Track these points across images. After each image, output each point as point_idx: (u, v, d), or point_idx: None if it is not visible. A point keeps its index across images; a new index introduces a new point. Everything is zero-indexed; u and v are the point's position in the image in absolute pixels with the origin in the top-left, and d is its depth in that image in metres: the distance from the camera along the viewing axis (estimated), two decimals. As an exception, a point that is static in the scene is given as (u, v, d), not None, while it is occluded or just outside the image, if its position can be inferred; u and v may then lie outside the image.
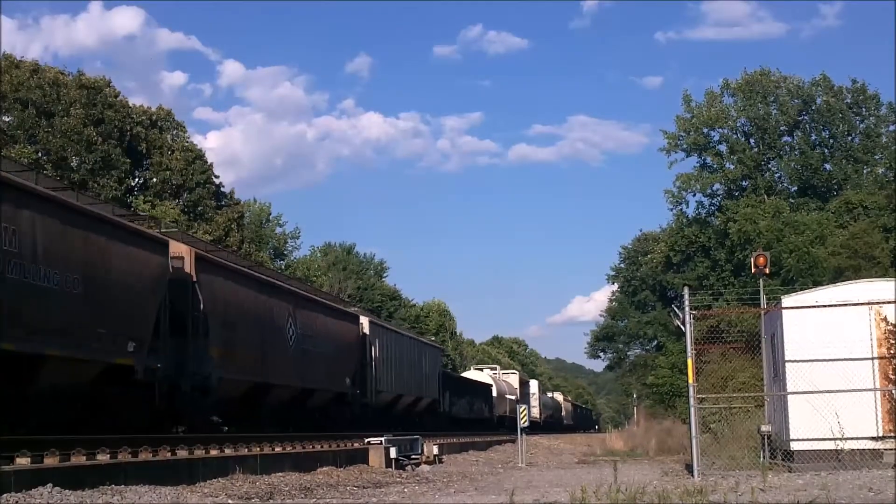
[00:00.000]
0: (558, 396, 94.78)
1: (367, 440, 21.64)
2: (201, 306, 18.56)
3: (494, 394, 55.72)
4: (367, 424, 27.57)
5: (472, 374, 59.77)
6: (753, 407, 18.40)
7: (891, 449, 14.42)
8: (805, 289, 21.72)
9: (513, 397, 60.79)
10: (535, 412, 68.68)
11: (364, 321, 30.74)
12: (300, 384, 24.19)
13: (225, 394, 19.70)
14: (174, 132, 48.31)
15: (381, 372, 31.73)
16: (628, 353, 77.21)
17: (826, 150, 56.12)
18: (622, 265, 75.09)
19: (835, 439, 14.25)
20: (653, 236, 69.22)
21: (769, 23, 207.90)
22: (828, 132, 55.98)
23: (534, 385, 74.37)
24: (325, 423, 25.88)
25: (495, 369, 66.03)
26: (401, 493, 13.91)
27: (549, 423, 77.18)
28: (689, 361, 14.82)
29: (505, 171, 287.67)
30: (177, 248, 18.29)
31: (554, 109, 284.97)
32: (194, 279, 18.43)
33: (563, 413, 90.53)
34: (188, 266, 18.34)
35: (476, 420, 49.95)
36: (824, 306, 15.05)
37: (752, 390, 19.25)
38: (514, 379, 66.84)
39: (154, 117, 46.54)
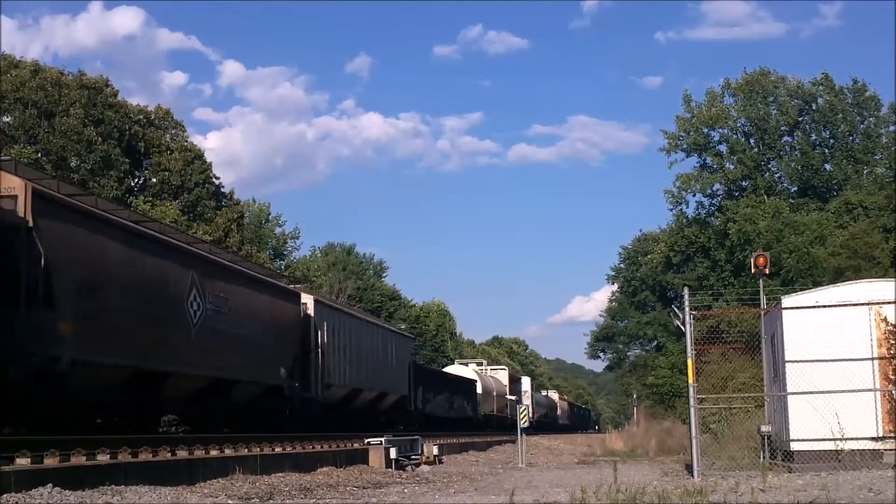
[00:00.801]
0: (553, 395, 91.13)
1: (367, 440, 21.65)
2: (41, 262, 13.77)
3: (479, 390, 51.88)
4: (312, 424, 24.02)
5: (454, 368, 55.29)
6: (753, 407, 18.39)
7: (891, 449, 14.42)
8: (805, 289, 21.72)
9: (501, 395, 57.84)
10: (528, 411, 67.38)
11: (308, 300, 25.71)
12: (210, 373, 19.26)
13: (91, 383, 15.46)
14: (173, 131, 48.30)
15: (333, 362, 26.93)
16: (628, 353, 77.31)
17: (826, 151, 56.13)
18: (622, 265, 75.14)
19: (835, 440, 14.25)
20: (653, 236, 69.26)
21: (769, 23, 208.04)
22: (828, 132, 56.00)
23: (525, 382, 70.77)
24: (251, 422, 21.56)
25: (482, 364, 62.31)
26: (401, 493, 13.91)
27: (544, 423, 74.13)
28: (689, 362, 14.82)
29: (505, 171, 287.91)
30: (7, 181, 13.78)
31: (554, 109, 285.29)
32: (30, 224, 13.68)
33: (559, 412, 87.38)
34: (22, 206, 13.65)
35: (457, 419, 45.44)
36: (824, 306, 15.05)
37: (752, 391, 19.26)
38: (503, 375, 62.75)
39: (152, 116, 46.54)
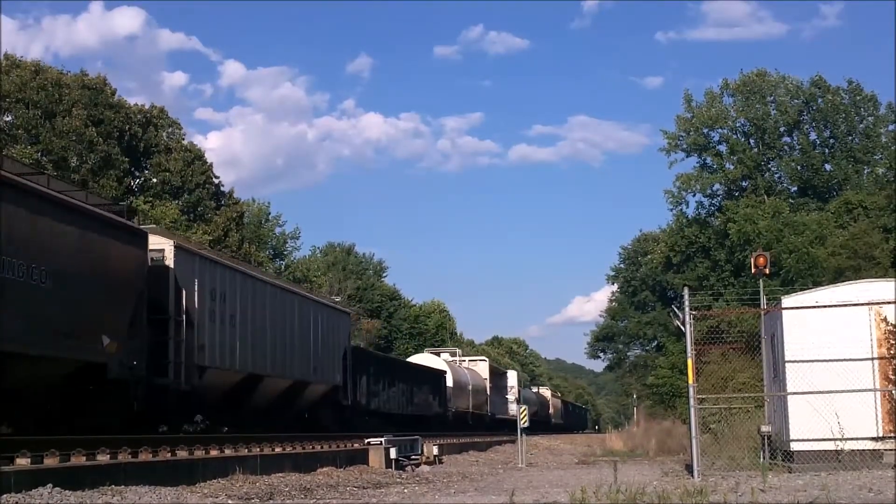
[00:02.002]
0: (545, 392, 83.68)
1: (367, 441, 21.65)
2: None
3: (450, 383, 45.19)
4: (170, 420, 18.66)
5: (420, 357, 48.58)
6: (753, 407, 18.40)
7: (891, 449, 14.42)
8: (805, 289, 21.71)
9: (479, 389, 51.25)
10: (513, 408, 57.78)
11: (162, 244, 18.45)
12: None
13: None
14: (170, 129, 48.28)
15: (212, 337, 19.75)
16: (628, 353, 77.40)
17: (826, 151, 56.15)
18: (622, 265, 75.19)
19: (835, 440, 14.25)
20: (653, 236, 69.31)
21: (769, 23, 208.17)
22: (828, 132, 56.01)
23: (512, 377, 63.73)
24: (37, 419, 15.11)
25: (456, 354, 55.01)
26: (401, 493, 13.91)
27: (534, 423, 70.31)
28: (689, 362, 14.82)
29: (505, 171, 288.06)
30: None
31: (554, 110, 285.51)
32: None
33: (551, 411, 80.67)
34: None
35: (418, 417, 38.44)
36: (824, 307, 15.04)
37: (752, 391, 19.26)
38: (482, 367, 55.00)
39: (148, 115, 46.53)
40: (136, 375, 16.61)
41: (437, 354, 50.18)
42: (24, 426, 14.60)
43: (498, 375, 59.19)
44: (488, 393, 53.04)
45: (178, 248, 18.75)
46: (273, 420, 24.15)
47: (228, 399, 21.60)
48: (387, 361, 39.38)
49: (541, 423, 70.78)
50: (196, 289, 19.13)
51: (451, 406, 45.40)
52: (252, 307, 22.15)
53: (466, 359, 56.43)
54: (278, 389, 24.35)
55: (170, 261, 18.34)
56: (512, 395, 60.09)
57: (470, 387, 48.98)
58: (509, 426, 53.90)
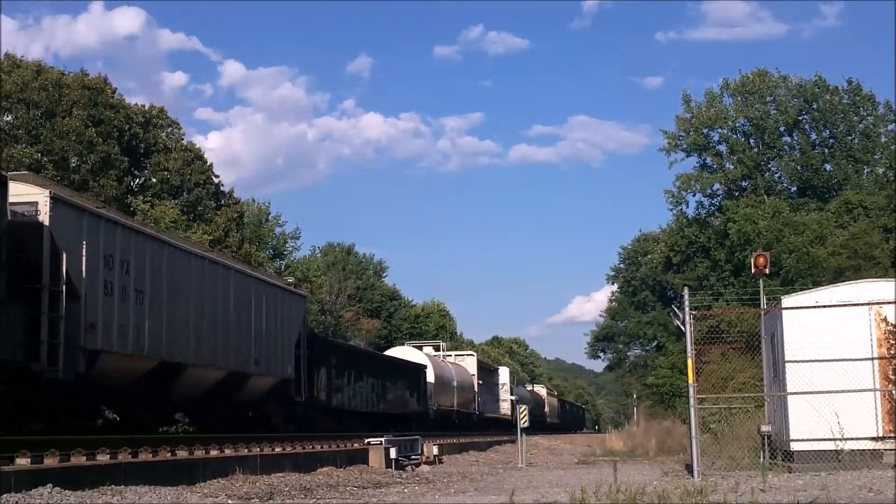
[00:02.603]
0: (540, 390, 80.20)
1: (367, 440, 21.66)
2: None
3: (431, 379, 41.17)
4: (42, 412, 15.35)
5: (398, 350, 44.50)
6: (753, 407, 18.40)
7: (891, 449, 14.41)
8: (805, 289, 21.71)
9: (466, 386, 47.61)
10: (505, 406, 56.19)
11: (33, 195, 14.70)
12: None
13: None
14: (169, 129, 48.29)
15: (104, 312, 15.86)
16: (628, 353, 77.39)
17: (826, 150, 56.15)
18: (622, 265, 75.19)
19: (835, 440, 14.25)
20: (653, 236, 69.31)
21: (770, 23, 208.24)
22: (828, 132, 56.01)
23: (503, 373, 59.85)
24: None
25: (440, 348, 50.61)
26: (401, 493, 13.91)
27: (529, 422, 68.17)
28: (689, 362, 14.82)
29: (505, 171, 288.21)
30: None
31: (554, 110, 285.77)
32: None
33: (546, 410, 77.00)
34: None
35: (392, 416, 34.46)
36: (824, 306, 15.04)
37: (752, 390, 19.26)
38: (469, 363, 51.00)
39: (148, 115, 46.54)
40: None
41: (420, 348, 45.08)
42: None
43: (488, 372, 55.71)
44: (476, 390, 49.32)
45: (55, 199, 14.80)
46: (204, 417, 20.84)
47: (140, 391, 17.75)
48: (354, 353, 33.84)
49: (535, 423, 65.48)
50: (84, 253, 15.39)
51: (433, 403, 40.95)
52: (169, 281, 18.13)
53: (453, 353, 52.49)
54: (208, 382, 20.15)
55: (44, 216, 14.54)
56: (504, 393, 56.86)
57: (455, 383, 44.85)
58: (501, 425, 52.50)
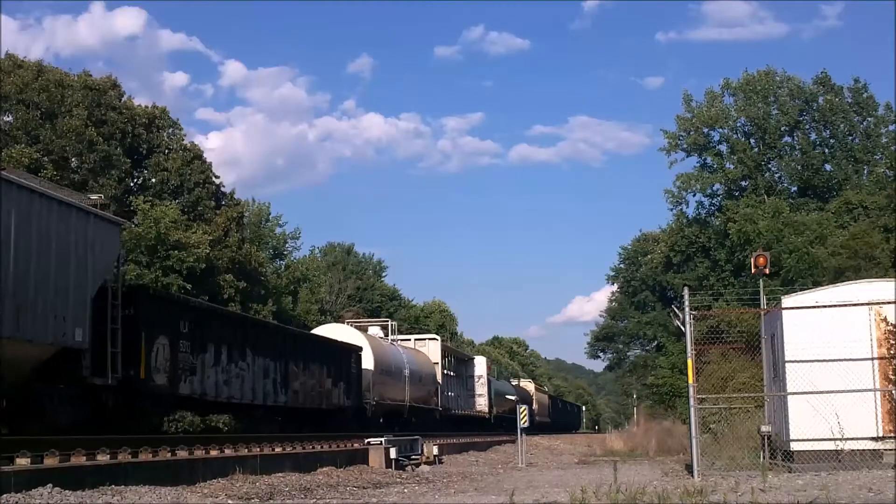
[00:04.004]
0: (527, 385, 72.14)
1: (367, 440, 21.68)
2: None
3: (368, 365, 31.50)
4: None
5: (327, 329, 34.36)
6: (753, 407, 18.40)
7: (891, 449, 14.41)
8: (805, 289, 21.71)
9: (424, 377, 38.49)
10: (481, 403, 49.05)
11: None
12: None
13: None
14: (170, 130, 48.28)
15: None
16: (628, 353, 77.39)
17: (826, 150, 56.16)
18: (622, 265, 75.18)
19: (835, 440, 14.25)
20: (653, 236, 69.32)
21: (770, 23, 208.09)
22: (828, 132, 56.03)
23: (480, 364, 50.69)
24: None
25: (389, 328, 40.21)
26: (401, 493, 13.92)
27: (511, 421, 57.15)
28: (689, 362, 14.81)
29: (505, 171, 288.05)
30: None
31: (555, 110, 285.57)
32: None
33: (535, 407, 66.89)
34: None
35: (302, 411, 26.19)
36: (824, 306, 15.03)
37: (752, 391, 19.25)
38: (433, 349, 41.82)
39: (151, 116, 46.54)
40: None
41: (364, 329, 35.53)
42: None
43: (459, 361, 47.41)
44: (440, 381, 40.73)
45: None
46: None
47: None
48: (228, 320, 22.80)
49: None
50: None
51: (371, 397, 31.61)
52: None
53: (412, 337, 44.23)
54: None
55: None
56: (480, 387, 49.06)
57: (407, 372, 35.63)
58: (475, 424, 46.30)
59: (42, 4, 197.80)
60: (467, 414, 46.39)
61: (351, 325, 35.21)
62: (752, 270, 18.80)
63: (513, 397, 49.76)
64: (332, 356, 28.80)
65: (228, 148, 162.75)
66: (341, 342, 30.53)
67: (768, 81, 56.29)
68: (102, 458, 12.18)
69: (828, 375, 14.31)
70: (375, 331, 37.32)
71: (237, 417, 24.83)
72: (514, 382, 68.77)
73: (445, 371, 42.70)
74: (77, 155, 40.20)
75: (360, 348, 31.38)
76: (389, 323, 41.02)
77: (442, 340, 45.18)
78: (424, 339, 43.52)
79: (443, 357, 42.37)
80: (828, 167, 55.89)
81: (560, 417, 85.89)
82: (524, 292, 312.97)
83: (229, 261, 42.85)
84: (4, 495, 9.35)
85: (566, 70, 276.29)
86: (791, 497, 10.24)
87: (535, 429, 61.19)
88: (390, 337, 38.87)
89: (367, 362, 31.71)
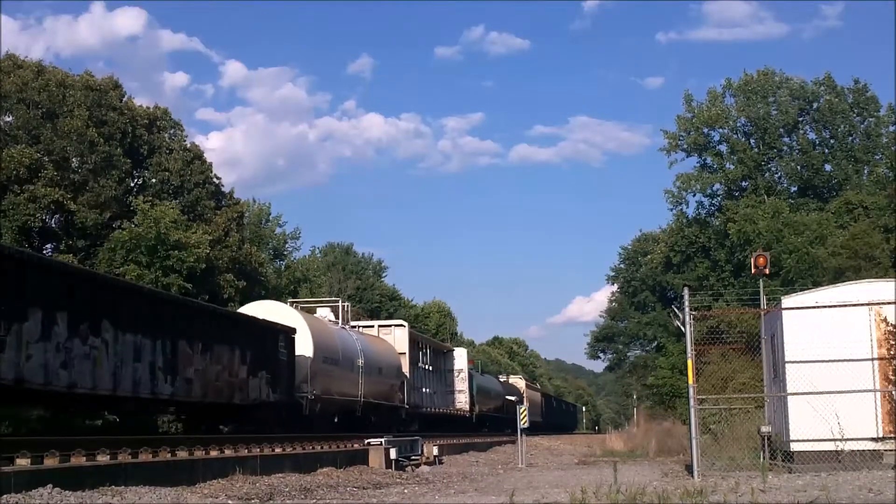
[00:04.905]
0: (517, 382, 66.13)
1: (367, 441, 21.70)
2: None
3: (305, 352, 25.52)
4: None
5: (255, 307, 26.80)
6: (753, 408, 18.40)
7: (891, 450, 14.41)
8: (805, 289, 21.71)
9: (386, 368, 32.56)
10: (462, 400, 43.84)
11: None
12: None
13: None
14: (172, 131, 48.30)
15: None
16: (628, 353, 77.43)
17: (826, 151, 56.18)
18: (622, 265, 75.21)
19: (835, 440, 14.25)
20: (653, 237, 69.37)
21: (770, 23, 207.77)
22: (828, 132, 56.04)
23: (460, 357, 45.09)
24: None
25: (341, 310, 31.63)
26: (401, 493, 13.92)
27: (498, 421, 52.21)
28: (689, 362, 14.82)
29: (506, 171, 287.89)
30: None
31: (555, 110, 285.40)
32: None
33: (525, 406, 57.48)
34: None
35: (207, 406, 20.32)
36: (824, 307, 15.04)
37: (752, 391, 19.26)
38: (400, 336, 36.02)
39: (151, 116, 46.56)
40: None
41: (312, 311, 30.69)
42: None
43: (436, 353, 41.78)
44: (406, 374, 34.98)
45: None
46: None
47: None
48: (66, 276, 15.72)
49: (509, 422, 49.96)
50: None
51: (310, 390, 25.29)
52: None
53: (375, 323, 38.25)
54: None
55: None
56: (461, 382, 44.06)
57: (361, 362, 29.63)
58: (455, 424, 41.86)
59: (42, 4, 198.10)
60: (443, 412, 41.22)
61: (293, 306, 28.41)
62: (752, 271, 18.80)
63: (513, 397, 46.13)
64: (250, 338, 22.15)
65: (229, 148, 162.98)
66: (264, 321, 23.94)
67: (767, 82, 56.32)
68: (102, 458, 12.18)
69: (828, 376, 14.32)
70: (325, 313, 30.91)
71: (86, 413, 19.62)
72: (503, 378, 63.97)
73: (415, 364, 37.00)
74: (78, 155, 40.20)
75: (294, 330, 24.90)
76: (341, 304, 32.20)
77: (411, 328, 38.99)
78: (390, 326, 37.24)
79: (412, 347, 36.59)
80: (828, 167, 55.93)
81: (554, 417, 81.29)
82: (524, 292, 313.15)
83: (229, 261, 42.84)
84: (4, 496, 9.35)
85: (566, 70, 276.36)
86: (791, 497, 10.24)
87: (526, 429, 51.12)
88: (341, 321, 31.13)
89: (304, 348, 25.56)
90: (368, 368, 30.39)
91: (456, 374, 43.99)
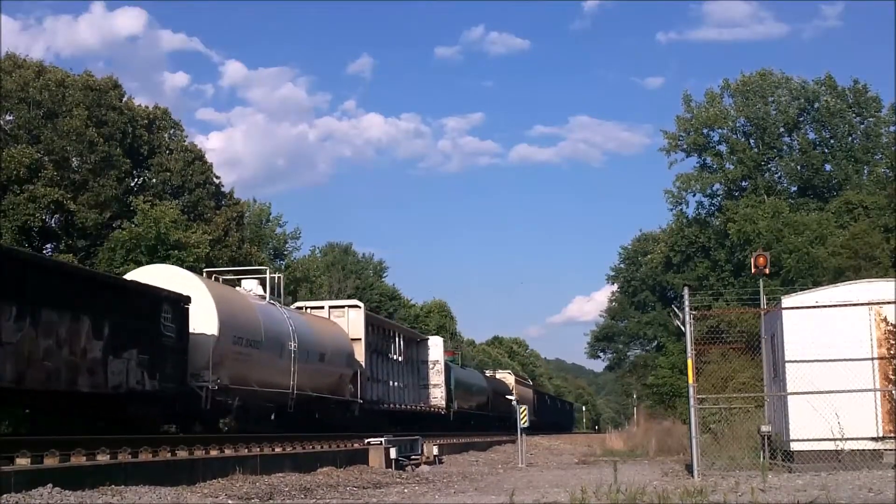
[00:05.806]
0: (506, 377, 60.64)
1: (367, 440, 21.71)
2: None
3: (208, 330, 19.79)
4: None
5: (146, 272, 20.57)
6: (753, 407, 18.40)
7: (891, 449, 14.41)
8: (805, 289, 21.71)
9: (334, 357, 26.89)
10: (437, 395, 38.54)
11: None
12: None
13: None
14: (171, 131, 48.31)
15: None
16: (628, 353, 77.45)
17: (826, 151, 56.18)
18: (622, 265, 75.21)
19: (835, 440, 14.25)
20: (653, 236, 69.39)
21: (770, 24, 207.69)
22: (828, 132, 56.05)
23: (435, 346, 39.34)
24: None
25: (275, 281, 26.23)
26: (401, 493, 13.92)
27: (482, 419, 48.26)
28: (689, 362, 14.81)
29: (506, 171, 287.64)
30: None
31: (555, 110, 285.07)
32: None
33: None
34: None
35: (38, 394, 14.38)
36: (824, 306, 15.04)
37: (752, 391, 19.26)
38: (355, 318, 29.94)
39: (151, 116, 46.58)
40: None
41: (236, 283, 25.15)
42: None
43: (408, 342, 36.21)
44: (361, 364, 29.15)
45: None
46: None
47: None
48: None
49: (497, 420, 49.96)
50: None
51: (213, 378, 19.44)
52: None
53: (326, 304, 31.87)
54: None
55: None
56: (435, 376, 38.66)
57: (293, 346, 23.82)
58: (429, 422, 36.51)
59: (42, 4, 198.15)
60: (412, 409, 35.64)
61: (201, 277, 22.16)
62: (752, 270, 18.81)
63: (511, 395, 43.27)
64: (110, 305, 16.29)
65: (229, 148, 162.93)
66: (134, 282, 18.33)
67: (765, 82, 56.34)
68: (102, 458, 12.18)
69: (828, 375, 14.32)
70: (251, 286, 25.00)
71: None
72: (489, 373, 58.53)
73: (375, 351, 31.47)
74: (77, 155, 40.22)
75: (188, 299, 19.10)
76: (269, 275, 26.02)
77: (367, 308, 32.43)
78: (343, 308, 30.89)
79: (370, 332, 30.68)
80: (828, 167, 55.93)
81: (549, 416, 74.83)
82: (524, 292, 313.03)
83: (229, 261, 42.82)
84: (4, 495, 9.35)
85: (566, 70, 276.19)
86: (791, 497, 10.24)
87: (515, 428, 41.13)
88: (269, 295, 25.07)
89: (207, 324, 19.78)
90: (305, 354, 24.51)
91: (430, 365, 38.38)
